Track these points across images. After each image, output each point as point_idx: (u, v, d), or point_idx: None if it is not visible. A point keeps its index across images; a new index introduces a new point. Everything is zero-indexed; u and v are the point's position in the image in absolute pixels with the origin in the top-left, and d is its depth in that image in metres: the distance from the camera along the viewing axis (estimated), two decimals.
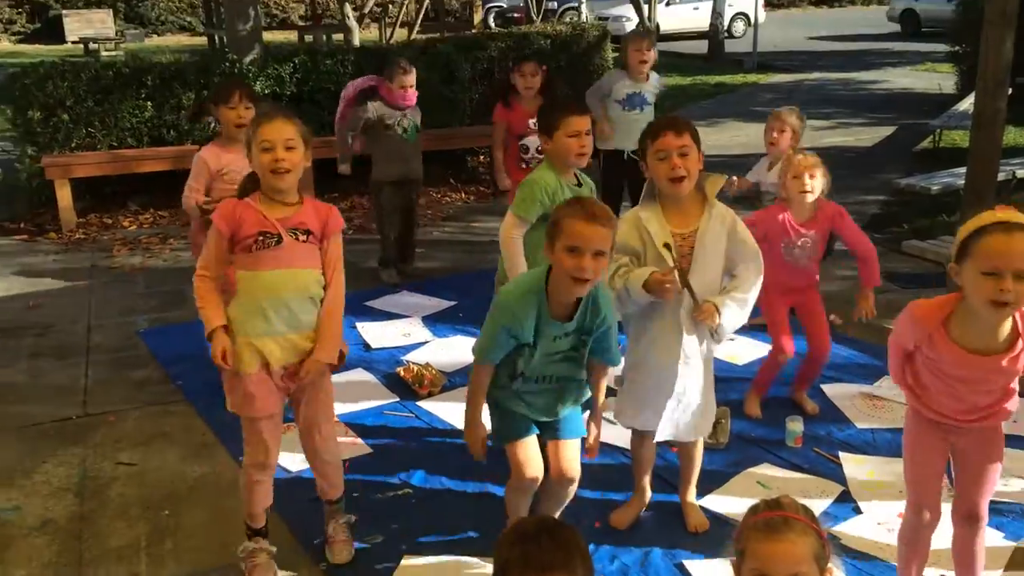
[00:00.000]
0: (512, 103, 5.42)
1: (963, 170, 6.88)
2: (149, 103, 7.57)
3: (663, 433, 2.99)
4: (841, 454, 3.63)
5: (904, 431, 2.53)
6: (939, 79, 14.12)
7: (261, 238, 2.70)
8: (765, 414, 3.98)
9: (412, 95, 5.73)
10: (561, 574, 1.73)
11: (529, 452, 2.77)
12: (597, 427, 2.83)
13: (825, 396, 4.16)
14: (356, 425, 3.94)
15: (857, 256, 3.83)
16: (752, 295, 2.85)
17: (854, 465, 3.55)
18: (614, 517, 3.18)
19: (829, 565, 1.79)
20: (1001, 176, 6.61)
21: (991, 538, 2.89)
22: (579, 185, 3.50)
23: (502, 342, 2.62)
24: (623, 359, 2.99)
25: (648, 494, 3.23)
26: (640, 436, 3.09)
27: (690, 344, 2.86)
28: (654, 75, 5.56)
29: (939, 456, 2.49)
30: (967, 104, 9.87)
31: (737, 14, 22.74)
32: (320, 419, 2.94)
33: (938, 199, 7.06)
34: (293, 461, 3.49)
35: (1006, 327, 2.27)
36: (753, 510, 1.87)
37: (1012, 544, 3.03)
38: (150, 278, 6.10)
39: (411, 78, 5.65)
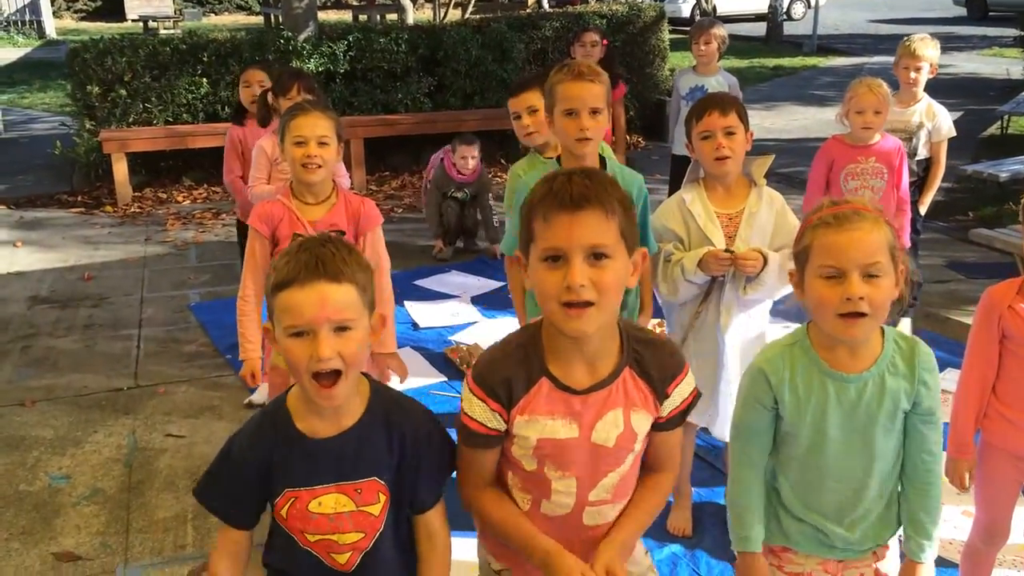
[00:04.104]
0: None
1: None
2: (205, 79, 7.63)
3: (704, 420, 2.86)
4: None
5: (977, 467, 2.39)
6: (1007, 64, 13.64)
7: None
8: None
9: (471, 169, 5.86)
10: (596, 207, 1.51)
11: None
12: (647, 314, 2.77)
13: None
14: None
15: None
16: None
17: None
18: (672, 523, 3.03)
19: (902, 265, 1.74)
20: None
21: None
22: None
23: None
24: None
25: (690, 491, 3.12)
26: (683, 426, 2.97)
27: (731, 333, 2.74)
28: (723, 71, 5.35)
29: (1013, 492, 2.39)
30: None
31: None
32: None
33: (1005, 187, 6.80)
34: None
35: None
36: (816, 209, 1.81)
37: None
38: (202, 252, 6.16)
39: (471, 149, 5.81)
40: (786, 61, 15.61)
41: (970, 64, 14.93)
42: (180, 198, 7.50)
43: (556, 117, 2.56)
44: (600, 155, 2.63)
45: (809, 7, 21.91)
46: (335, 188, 2.76)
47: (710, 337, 2.76)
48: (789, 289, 2.74)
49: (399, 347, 4.33)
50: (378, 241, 2.78)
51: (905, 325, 4.64)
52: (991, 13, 21.54)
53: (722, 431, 2.80)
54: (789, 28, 19.47)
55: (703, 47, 5.19)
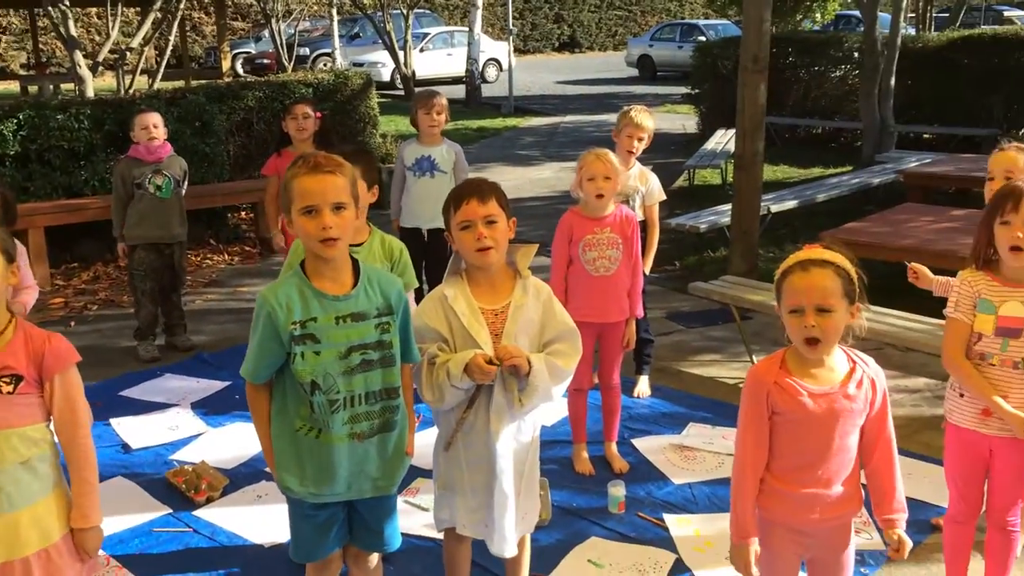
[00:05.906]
0: (284, 152, 4.99)
1: (725, 208, 7.25)
2: None
3: (480, 533, 2.63)
4: (665, 516, 3.49)
5: (761, 549, 2.35)
6: (680, 120, 15.12)
7: None
8: (581, 478, 3.79)
9: (159, 145, 5.20)
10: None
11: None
12: (412, 430, 2.52)
13: (638, 451, 4.04)
14: (119, 553, 3.28)
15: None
16: (568, 374, 2.58)
17: (679, 526, 3.42)
18: None
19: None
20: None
21: None
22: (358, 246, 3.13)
23: (270, 347, 2.27)
24: (436, 460, 2.66)
25: None
26: (456, 539, 2.72)
27: (504, 440, 2.53)
28: (447, 140, 5.23)
29: (795, 566, 2.37)
30: (714, 143, 10.56)
31: (489, 60, 23.35)
32: None
33: (703, 236, 7.37)
34: None
35: (841, 363, 2.23)
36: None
37: None
38: None
39: (148, 118, 5.19)
40: (487, 123, 16.20)
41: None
42: None
43: (294, 217, 2.25)
44: (352, 257, 2.35)
45: (502, 70, 23.12)
46: (12, 321, 2.19)
47: (481, 444, 2.53)
48: (564, 388, 2.60)
49: (107, 477, 3.72)
50: (72, 387, 2.19)
51: (643, 383, 4.75)
52: (659, 73, 24.06)
53: (500, 548, 2.56)
54: (486, 90, 20.33)
55: (435, 117, 5.05)
